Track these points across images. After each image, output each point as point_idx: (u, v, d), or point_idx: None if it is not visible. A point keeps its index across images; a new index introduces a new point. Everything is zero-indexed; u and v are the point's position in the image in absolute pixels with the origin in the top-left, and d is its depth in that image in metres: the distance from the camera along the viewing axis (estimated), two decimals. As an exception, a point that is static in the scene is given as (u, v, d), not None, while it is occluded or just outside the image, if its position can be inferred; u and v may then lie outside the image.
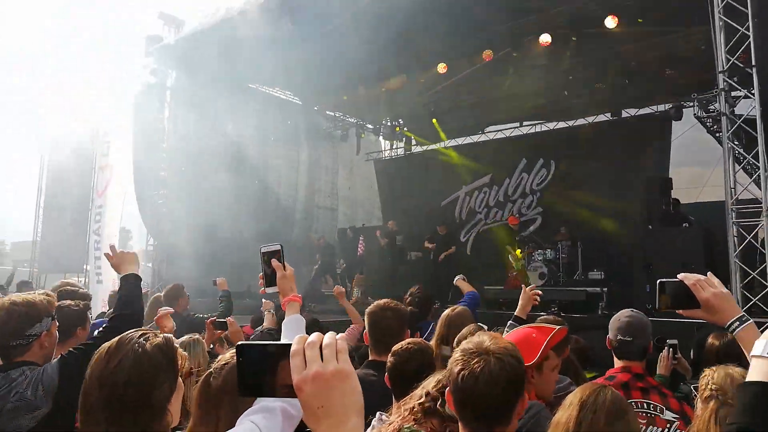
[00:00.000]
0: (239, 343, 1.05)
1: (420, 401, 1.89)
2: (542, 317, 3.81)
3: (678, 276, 1.65)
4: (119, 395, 1.46)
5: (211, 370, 1.88)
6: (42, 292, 2.59)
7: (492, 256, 13.64)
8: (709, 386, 2.23)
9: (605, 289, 9.24)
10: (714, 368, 2.30)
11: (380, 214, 17.34)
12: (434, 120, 15.15)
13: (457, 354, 1.62)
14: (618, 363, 2.85)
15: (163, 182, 13.08)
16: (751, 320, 1.57)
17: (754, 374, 1.18)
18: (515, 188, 14.15)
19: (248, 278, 12.83)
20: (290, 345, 0.98)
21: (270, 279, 2.22)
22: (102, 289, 12.29)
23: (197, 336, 3.66)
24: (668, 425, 2.36)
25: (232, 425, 1.66)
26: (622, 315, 2.92)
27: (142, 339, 1.57)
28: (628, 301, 8.04)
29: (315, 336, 0.99)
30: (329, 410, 0.94)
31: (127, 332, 1.60)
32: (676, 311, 1.67)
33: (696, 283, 1.61)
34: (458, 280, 5.11)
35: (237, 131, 15.16)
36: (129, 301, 2.79)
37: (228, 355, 1.93)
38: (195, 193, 13.00)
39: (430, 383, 1.94)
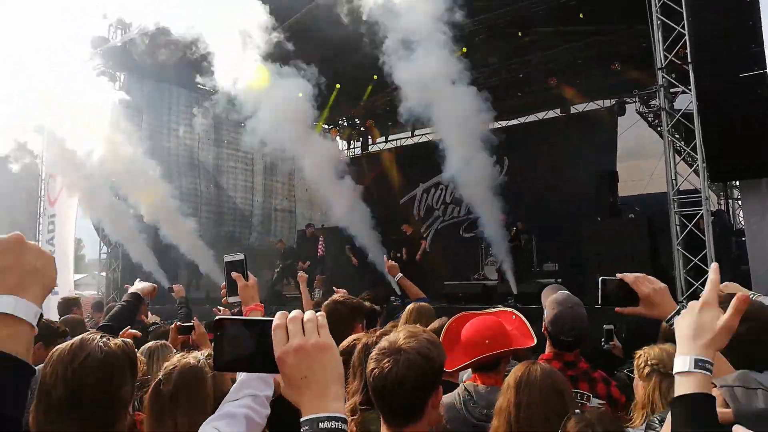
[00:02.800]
0: (218, 317, 1.07)
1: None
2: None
3: (617, 275, 1.79)
4: (87, 393, 1.45)
5: (160, 376, 1.84)
6: None
7: (451, 251, 13.88)
8: (648, 362, 2.38)
9: (559, 280, 9.54)
10: (645, 348, 2.44)
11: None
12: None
13: (374, 352, 1.67)
14: (550, 349, 2.83)
15: (115, 189, 12.72)
16: None
17: (680, 389, 1.17)
18: (471, 184, 14.38)
19: (207, 284, 12.66)
20: (271, 320, 1.03)
21: (232, 288, 2.24)
22: (56, 300, 11.88)
23: (165, 341, 3.64)
24: None
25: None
26: (565, 315, 2.76)
27: (104, 339, 1.56)
28: (580, 291, 8.30)
29: (296, 312, 1.04)
30: (311, 381, 0.98)
31: (86, 333, 1.59)
32: (615, 309, 1.80)
33: (636, 280, 1.75)
34: (401, 279, 4.51)
35: (189, 134, 14.91)
36: (118, 316, 3.12)
37: (175, 359, 1.89)
38: (149, 200, 12.68)
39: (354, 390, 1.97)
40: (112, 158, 11.70)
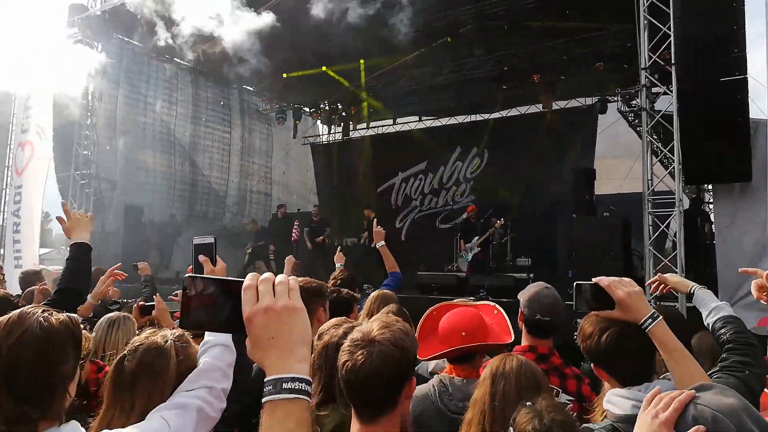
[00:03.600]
0: (188, 275, 1.05)
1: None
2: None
3: (592, 279, 1.78)
4: (23, 370, 1.38)
5: (125, 352, 1.76)
6: None
7: (426, 242, 13.88)
8: None
9: (532, 275, 9.61)
10: None
11: (316, 199, 17.23)
12: (365, 103, 15.08)
13: (346, 343, 1.63)
14: (526, 340, 2.71)
15: (87, 161, 12.37)
16: (661, 317, 1.71)
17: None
18: (450, 176, 14.42)
19: (177, 263, 12.47)
20: (242, 281, 1.01)
21: (199, 272, 2.11)
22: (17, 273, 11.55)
23: (128, 314, 3.54)
24: None
25: (146, 414, 1.57)
26: (542, 294, 2.72)
27: (45, 314, 1.48)
28: (553, 287, 8.37)
29: (268, 274, 1.02)
30: (278, 341, 0.99)
31: (27, 307, 1.50)
32: (592, 312, 1.80)
33: (610, 284, 1.74)
34: (381, 247, 4.55)
35: (167, 110, 14.58)
36: (76, 275, 2.84)
37: (142, 337, 1.81)
38: (121, 174, 12.40)
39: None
40: (83, 128, 11.39)
